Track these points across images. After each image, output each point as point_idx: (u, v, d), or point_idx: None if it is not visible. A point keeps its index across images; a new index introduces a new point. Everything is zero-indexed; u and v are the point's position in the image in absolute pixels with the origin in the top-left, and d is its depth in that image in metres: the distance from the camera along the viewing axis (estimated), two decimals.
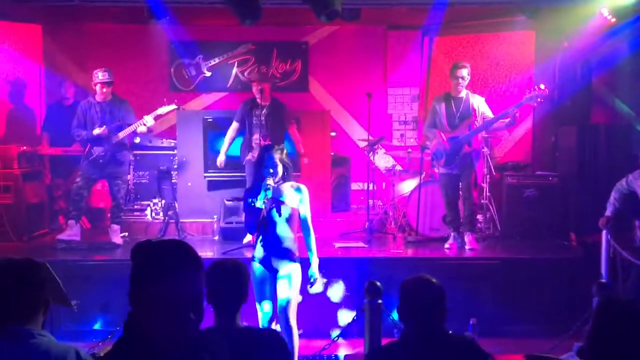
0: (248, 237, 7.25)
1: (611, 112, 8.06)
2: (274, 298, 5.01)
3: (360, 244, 7.62)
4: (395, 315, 3.16)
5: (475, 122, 7.21)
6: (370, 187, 8.71)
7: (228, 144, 7.82)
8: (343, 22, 8.83)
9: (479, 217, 8.17)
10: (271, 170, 4.92)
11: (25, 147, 8.34)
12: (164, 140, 9.24)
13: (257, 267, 5.01)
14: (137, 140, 8.58)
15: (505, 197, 8.26)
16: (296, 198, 5.04)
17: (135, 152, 8.81)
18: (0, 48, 8.76)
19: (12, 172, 8.02)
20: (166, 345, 2.17)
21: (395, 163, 9.81)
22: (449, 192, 7.44)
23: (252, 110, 7.61)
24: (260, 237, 5.07)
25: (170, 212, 8.11)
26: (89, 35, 9.88)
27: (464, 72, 7.21)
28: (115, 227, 7.71)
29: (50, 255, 6.87)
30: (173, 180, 8.62)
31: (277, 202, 4.97)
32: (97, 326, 6.44)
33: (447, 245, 7.40)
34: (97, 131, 7.38)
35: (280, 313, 4.91)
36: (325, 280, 5.13)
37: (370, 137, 8.62)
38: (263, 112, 7.51)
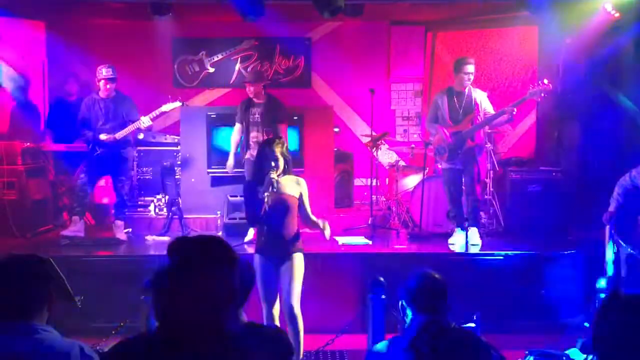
0: (250, 235, 7.27)
1: (615, 108, 8.04)
2: (277, 290, 5.11)
3: (364, 240, 7.63)
4: (399, 309, 3.16)
5: (478, 117, 7.20)
6: (374, 183, 8.71)
7: (235, 147, 7.78)
8: (346, 18, 8.83)
9: (482, 212, 8.16)
10: (273, 164, 4.99)
11: (29, 144, 8.36)
12: (168, 136, 9.25)
13: (260, 260, 5.10)
14: (141, 136, 8.61)
15: (509, 192, 8.25)
16: (297, 191, 5.14)
17: (139, 148, 8.83)
18: (4, 44, 8.78)
19: (16, 168, 8.04)
20: (202, 340, 2.23)
21: (398, 159, 9.82)
22: (452, 188, 7.43)
23: (248, 109, 7.60)
24: (264, 231, 5.14)
25: (173, 208, 8.12)
26: (93, 31, 9.88)
27: (471, 67, 7.20)
28: (119, 223, 7.73)
29: (54, 251, 6.90)
30: (177, 176, 8.63)
31: (279, 194, 5.05)
32: (101, 322, 6.45)
33: (450, 241, 7.40)
34: (104, 137, 7.38)
35: (285, 304, 5.03)
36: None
37: (374, 133, 8.62)
38: (258, 110, 7.51)
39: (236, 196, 8.03)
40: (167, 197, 8.40)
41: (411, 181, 8.74)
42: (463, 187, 7.44)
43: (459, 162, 7.29)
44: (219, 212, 8.20)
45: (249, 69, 10.38)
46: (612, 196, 6.45)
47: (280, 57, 10.57)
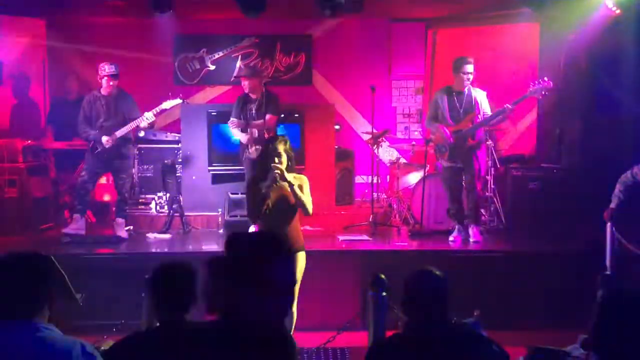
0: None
1: (616, 104, 8.02)
2: None
3: (365, 237, 7.63)
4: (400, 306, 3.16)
5: (478, 115, 7.20)
6: (375, 180, 8.71)
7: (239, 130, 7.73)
8: (346, 15, 8.82)
9: (483, 209, 8.17)
10: (277, 160, 5.06)
11: (30, 141, 8.37)
12: (169, 133, 9.26)
13: None
14: (142, 134, 8.61)
15: (510, 189, 8.25)
16: (299, 185, 5.18)
17: (139, 146, 8.84)
18: (5, 42, 8.77)
19: (17, 166, 8.05)
20: (262, 331, 2.34)
21: (399, 156, 9.81)
22: (453, 185, 7.44)
23: (244, 105, 7.61)
24: (266, 228, 5.19)
25: (175, 206, 8.13)
26: (93, 29, 9.88)
27: (471, 67, 7.19)
28: (120, 220, 7.73)
29: (56, 249, 6.90)
30: (177, 174, 8.64)
31: (281, 192, 5.14)
32: (102, 320, 6.45)
33: (451, 238, 7.40)
34: (105, 139, 7.37)
35: None
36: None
37: (374, 130, 8.61)
38: (254, 106, 7.52)
39: (237, 193, 8.04)
40: (168, 194, 8.40)
41: (412, 178, 8.74)
42: (464, 185, 7.45)
43: (459, 160, 7.30)
44: (220, 210, 8.21)
45: (242, 67, 10.39)
46: (613, 193, 6.45)
47: (280, 54, 10.57)
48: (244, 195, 7.65)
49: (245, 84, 7.57)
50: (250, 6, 7.79)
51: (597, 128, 8.00)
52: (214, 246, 7.44)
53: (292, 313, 5.17)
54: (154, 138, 9.12)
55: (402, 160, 9.51)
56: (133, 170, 8.45)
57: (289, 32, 10.47)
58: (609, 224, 6.36)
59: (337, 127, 9.44)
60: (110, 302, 6.35)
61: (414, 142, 9.36)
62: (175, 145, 9.04)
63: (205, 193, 8.55)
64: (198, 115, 8.66)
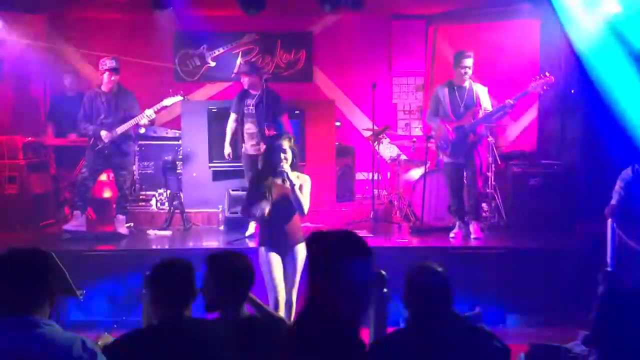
0: (251, 229, 7.28)
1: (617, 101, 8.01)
2: (280, 280, 5.26)
3: (365, 234, 7.62)
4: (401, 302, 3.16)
5: (479, 111, 7.18)
6: (375, 177, 8.70)
7: (230, 136, 7.77)
8: (347, 12, 8.81)
9: (484, 206, 8.16)
10: (283, 156, 5.15)
11: (30, 138, 8.37)
12: (169, 130, 9.25)
13: (265, 252, 5.27)
14: (142, 130, 8.60)
15: (511, 186, 8.24)
16: (300, 186, 5.24)
17: (140, 142, 8.83)
18: (5, 39, 8.76)
19: (18, 163, 8.05)
20: (347, 325, 2.34)
21: (400, 152, 9.80)
22: (454, 182, 7.43)
23: (243, 100, 7.61)
24: (267, 224, 5.29)
25: (175, 203, 8.12)
26: (93, 25, 9.87)
27: (470, 61, 7.18)
28: (121, 217, 7.73)
29: (56, 246, 6.89)
30: (178, 171, 8.63)
31: (283, 189, 5.22)
32: (102, 316, 6.46)
33: (452, 235, 7.39)
34: (104, 133, 7.37)
35: (286, 291, 5.25)
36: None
37: (375, 127, 8.60)
38: (253, 101, 7.52)
39: (237, 190, 8.03)
40: (168, 191, 8.40)
41: (413, 175, 8.74)
42: (465, 181, 7.44)
43: (461, 157, 7.29)
44: (220, 207, 8.21)
45: (242, 63, 10.40)
46: (614, 189, 6.44)
47: (281, 51, 10.56)
48: (247, 188, 7.66)
49: (245, 80, 7.58)
50: (250, 4, 7.78)
51: (598, 124, 7.98)
52: (214, 243, 7.44)
53: (290, 305, 5.27)
54: (155, 135, 9.12)
55: (403, 157, 9.50)
56: (134, 167, 8.45)
57: (289, 29, 10.46)
58: (609, 220, 6.35)
59: (337, 123, 9.43)
60: (110, 298, 6.36)
61: (414, 139, 9.34)
62: (176, 142, 9.03)
63: (205, 190, 8.55)
64: (198, 112, 8.66)
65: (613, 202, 6.41)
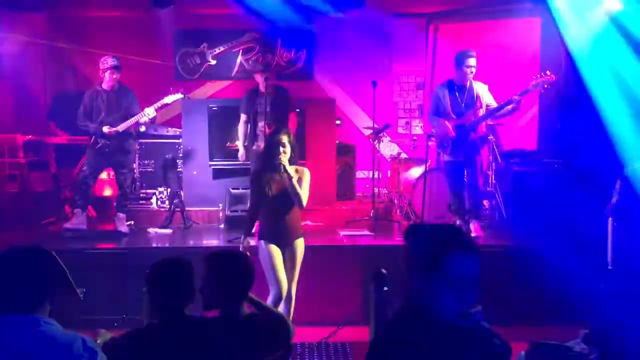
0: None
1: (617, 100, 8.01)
2: (282, 272, 5.30)
3: (366, 232, 7.63)
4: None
5: (480, 109, 7.18)
6: (376, 175, 8.70)
7: (243, 138, 7.81)
8: (348, 10, 8.80)
9: (485, 204, 8.15)
10: (281, 149, 5.20)
11: (30, 136, 8.37)
12: (169, 129, 9.26)
13: (265, 246, 5.31)
14: (143, 129, 8.60)
15: (511, 184, 8.23)
16: (299, 179, 5.30)
17: (140, 141, 8.83)
18: (6, 37, 8.76)
19: (18, 161, 8.06)
20: (451, 321, 2.36)
21: (400, 151, 9.81)
22: (454, 180, 7.42)
23: (255, 99, 7.62)
24: (267, 218, 5.37)
25: (175, 201, 8.13)
26: (94, 23, 9.87)
27: (474, 61, 7.16)
28: (121, 215, 7.73)
29: (57, 244, 6.90)
30: (178, 169, 8.64)
31: (283, 183, 5.27)
32: (103, 314, 6.45)
33: None
34: (106, 129, 7.37)
35: (286, 288, 5.28)
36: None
37: (376, 125, 8.60)
38: (266, 100, 7.53)
39: (238, 188, 8.04)
40: (169, 189, 8.41)
41: (413, 173, 8.74)
42: (465, 180, 7.44)
43: (461, 155, 7.28)
44: (220, 205, 8.21)
45: (250, 62, 10.40)
46: (614, 188, 6.44)
47: (282, 49, 10.57)
48: (245, 190, 7.68)
49: (260, 78, 7.60)
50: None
51: (599, 123, 7.98)
52: (214, 241, 7.45)
53: (290, 299, 5.32)
54: (155, 133, 9.13)
55: (403, 155, 9.50)
56: (134, 165, 8.45)
57: (290, 27, 10.45)
58: (610, 219, 6.35)
59: (338, 122, 9.44)
60: (111, 297, 6.35)
61: (415, 137, 9.34)
62: (176, 140, 9.04)
63: (206, 188, 8.56)
64: (199, 110, 8.67)
65: (613, 200, 6.40)
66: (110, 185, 8.47)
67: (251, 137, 7.73)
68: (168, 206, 8.31)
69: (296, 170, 5.30)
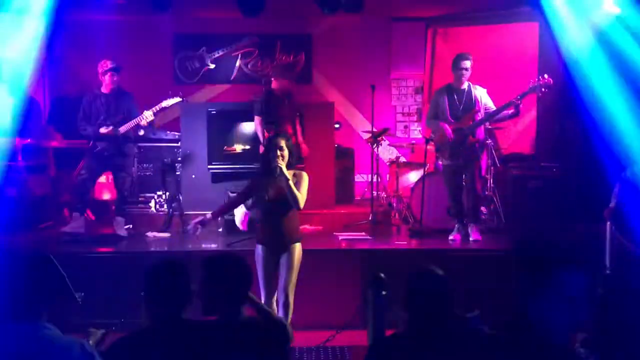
0: (239, 215, 7.10)
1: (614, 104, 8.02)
2: (276, 281, 5.35)
3: (364, 236, 7.63)
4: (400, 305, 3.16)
5: (479, 113, 7.18)
6: (374, 179, 8.70)
7: (263, 138, 7.83)
8: (346, 14, 8.82)
9: (483, 208, 8.15)
10: (279, 153, 5.22)
11: (29, 140, 8.36)
12: (168, 132, 9.25)
13: (262, 250, 5.35)
14: (141, 132, 8.57)
15: (510, 188, 8.24)
16: (297, 182, 5.31)
17: (139, 144, 8.82)
18: (5, 40, 8.75)
19: (17, 165, 8.05)
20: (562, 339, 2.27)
21: (399, 155, 9.81)
22: (453, 184, 7.43)
23: (270, 102, 7.68)
24: (265, 222, 5.39)
25: (174, 205, 8.13)
26: (93, 27, 9.87)
27: (468, 63, 7.17)
28: (120, 219, 7.72)
29: (55, 248, 6.90)
30: (177, 173, 8.63)
31: (280, 188, 5.27)
32: (101, 318, 6.44)
33: (451, 237, 7.39)
34: (103, 130, 7.38)
35: (281, 291, 5.30)
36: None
37: (374, 129, 8.61)
38: (284, 103, 7.64)
39: (237, 192, 8.03)
40: (167, 193, 8.40)
41: (412, 177, 8.74)
42: (464, 183, 7.44)
43: (460, 159, 7.28)
44: None
45: (249, 65, 10.43)
46: (613, 192, 6.44)
47: (280, 53, 10.57)
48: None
49: (277, 83, 7.66)
50: (249, 5, 7.79)
51: (596, 127, 7.98)
52: (213, 245, 7.44)
53: (289, 303, 5.29)
54: (154, 137, 9.11)
55: (402, 159, 9.51)
56: (133, 169, 8.45)
57: (288, 31, 10.48)
58: (608, 223, 6.35)
59: (336, 125, 9.44)
60: (109, 300, 6.34)
61: (413, 141, 9.36)
62: (175, 144, 9.03)
63: (204, 192, 8.54)
64: (198, 114, 8.66)
65: (611, 204, 6.41)
66: (109, 188, 8.47)
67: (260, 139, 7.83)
68: (166, 210, 8.30)
69: (294, 175, 5.32)
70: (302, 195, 5.28)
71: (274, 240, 5.33)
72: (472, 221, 7.37)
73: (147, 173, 9.06)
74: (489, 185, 8.29)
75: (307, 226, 7.84)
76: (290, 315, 5.30)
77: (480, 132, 7.31)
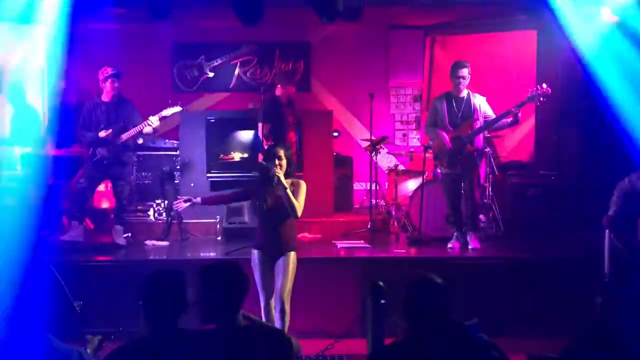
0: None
1: (613, 112, 8.04)
2: (273, 284, 5.45)
3: (363, 244, 7.62)
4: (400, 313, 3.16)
5: (477, 121, 7.19)
6: (373, 187, 8.71)
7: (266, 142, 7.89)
8: (345, 22, 8.84)
9: (482, 216, 8.16)
10: (277, 162, 5.32)
11: (28, 148, 8.35)
12: (167, 140, 9.26)
13: (258, 255, 5.49)
14: (140, 141, 8.59)
15: (508, 196, 8.25)
16: (294, 190, 5.38)
17: (138, 153, 8.82)
18: (4, 49, 8.76)
19: (15, 174, 8.04)
20: None
21: (397, 163, 9.82)
22: (452, 192, 7.43)
23: (277, 109, 7.69)
24: (263, 229, 5.50)
25: (173, 213, 8.12)
26: (92, 36, 9.87)
27: (465, 71, 7.19)
28: (119, 227, 7.72)
29: (53, 257, 6.87)
30: (176, 181, 8.63)
31: (278, 196, 5.36)
32: (99, 327, 6.43)
33: (450, 245, 7.39)
34: (102, 134, 7.38)
35: (277, 298, 5.38)
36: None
37: (373, 137, 8.62)
38: (288, 110, 7.67)
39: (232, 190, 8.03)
40: (166, 202, 8.39)
41: (410, 185, 8.75)
42: (462, 192, 7.44)
43: (458, 167, 7.29)
44: (218, 217, 8.20)
45: (248, 74, 10.45)
46: (611, 200, 6.45)
47: (279, 61, 10.59)
48: (242, 203, 7.69)
49: (282, 90, 7.68)
50: (248, 14, 7.80)
51: (595, 135, 8.00)
52: (212, 254, 7.44)
53: (285, 310, 5.34)
54: (153, 145, 9.12)
55: (401, 167, 9.52)
56: (132, 177, 8.44)
57: (287, 39, 10.50)
58: (607, 231, 6.36)
59: (335, 133, 9.45)
60: (108, 309, 6.33)
61: (412, 149, 9.36)
62: (174, 153, 9.03)
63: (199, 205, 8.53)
64: (197, 122, 8.67)
65: (610, 212, 6.41)
66: (108, 197, 8.46)
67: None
68: (165, 218, 8.30)
69: (292, 183, 5.39)
70: (299, 204, 5.35)
71: (270, 245, 5.45)
72: (470, 229, 7.37)
73: (146, 181, 9.06)
74: (487, 193, 8.29)
75: (305, 234, 7.84)
76: (287, 322, 5.36)
77: (479, 141, 7.31)
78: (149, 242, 7.90)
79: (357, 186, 9.90)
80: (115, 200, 7.80)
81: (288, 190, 5.28)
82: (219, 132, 8.55)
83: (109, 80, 7.43)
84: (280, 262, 5.42)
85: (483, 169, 7.73)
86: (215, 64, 10.52)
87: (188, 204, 5.74)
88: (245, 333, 3.27)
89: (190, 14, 9.14)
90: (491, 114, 7.23)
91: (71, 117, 8.03)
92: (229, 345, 3.12)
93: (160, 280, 3.11)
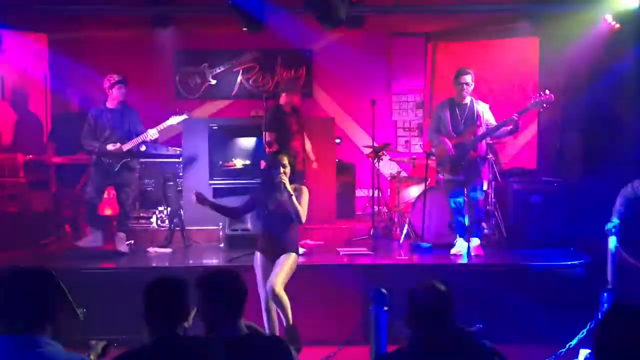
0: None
1: (616, 118, 8.04)
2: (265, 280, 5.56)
3: (366, 251, 7.62)
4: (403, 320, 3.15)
5: (480, 128, 7.19)
6: (375, 194, 8.71)
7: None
8: (347, 30, 8.86)
9: (484, 223, 8.15)
10: (282, 170, 5.44)
11: (31, 156, 8.38)
12: (170, 148, 9.26)
13: (260, 258, 5.64)
14: (143, 148, 8.59)
15: (511, 203, 8.23)
16: (297, 196, 5.50)
17: (140, 160, 8.82)
18: (7, 57, 8.80)
19: (18, 181, 8.06)
20: None
21: (400, 169, 9.82)
22: (454, 199, 7.42)
23: (281, 117, 7.68)
24: (265, 233, 5.63)
25: (175, 220, 8.12)
26: (95, 43, 9.91)
27: (468, 78, 7.19)
28: (121, 235, 7.72)
29: (57, 264, 6.89)
30: (178, 188, 8.63)
31: (281, 202, 5.51)
32: (103, 334, 6.42)
33: (452, 252, 7.38)
34: (110, 147, 7.39)
35: (268, 283, 5.45)
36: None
37: (375, 144, 8.62)
38: (293, 119, 7.66)
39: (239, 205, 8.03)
40: (168, 209, 8.40)
41: (413, 192, 8.74)
42: (465, 198, 7.44)
43: (461, 174, 7.28)
44: (220, 224, 8.20)
45: (250, 81, 10.47)
46: (614, 206, 6.44)
47: (281, 68, 10.62)
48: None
49: (287, 98, 7.70)
50: (250, 21, 7.82)
51: (597, 142, 8.00)
52: (214, 261, 7.43)
53: (279, 296, 5.40)
54: (155, 152, 9.12)
55: (403, 174, 9.51)
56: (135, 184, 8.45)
57: (289, 46, 10.51)
58: (610, 238, 6.34)
59: (337, 140, 9.46)
60: (111, 316, 6.32)
61: (414, 156, 9.36)
62: (176, 160, 9.04)
63: (206, 207, 8.53)
64: (199, 130, 8.67)
65: (613, 219, 6.40)
66: (111, 204, 8.46)
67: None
68: (168, 225, 8.30)
69: (294, 189, 5.49)
70: (303, 210, 5.46)
71: (271, 249, 5.58)
72: (473, 236, 7.37)
73: (149, 188, 9.06)
74: (490, 199, 8.28)
75: (308, 241, 7.83)
76: (286, 305, 5.42)
77: (482, 147, 7.31)
78: (151, 249, 7.90)
79: (360, 193, 9.90)
80: (119, 207, 7.80)
81: (293, 197, 5.40)
82: (222, 139, 8.55)
83: (116, 87, 7.44)
84: (279, 258, 5.53)
85: (486, 176, 7.73)
86: (218, 71, 10.55)
87: (198, 197, 5.85)
88: (246, 341, 3.27)
89: (192, 22, 9.17)
90: (493, 122, 7.23)
91: (74, 124, 8.05)
92: (230, 353, 3.11)
93: (163, 288, 3.11)
